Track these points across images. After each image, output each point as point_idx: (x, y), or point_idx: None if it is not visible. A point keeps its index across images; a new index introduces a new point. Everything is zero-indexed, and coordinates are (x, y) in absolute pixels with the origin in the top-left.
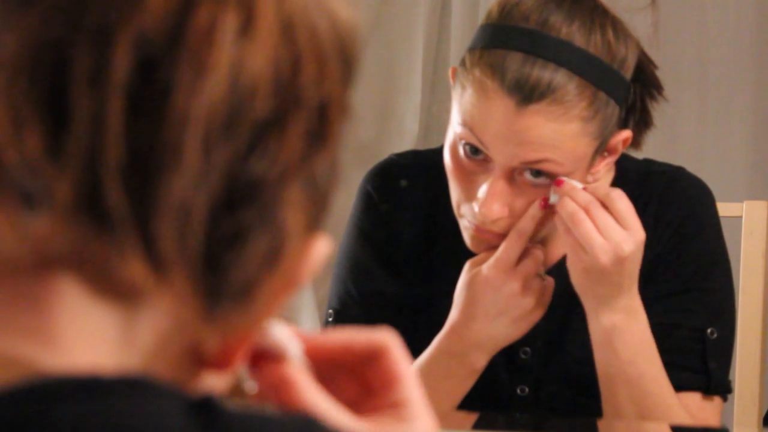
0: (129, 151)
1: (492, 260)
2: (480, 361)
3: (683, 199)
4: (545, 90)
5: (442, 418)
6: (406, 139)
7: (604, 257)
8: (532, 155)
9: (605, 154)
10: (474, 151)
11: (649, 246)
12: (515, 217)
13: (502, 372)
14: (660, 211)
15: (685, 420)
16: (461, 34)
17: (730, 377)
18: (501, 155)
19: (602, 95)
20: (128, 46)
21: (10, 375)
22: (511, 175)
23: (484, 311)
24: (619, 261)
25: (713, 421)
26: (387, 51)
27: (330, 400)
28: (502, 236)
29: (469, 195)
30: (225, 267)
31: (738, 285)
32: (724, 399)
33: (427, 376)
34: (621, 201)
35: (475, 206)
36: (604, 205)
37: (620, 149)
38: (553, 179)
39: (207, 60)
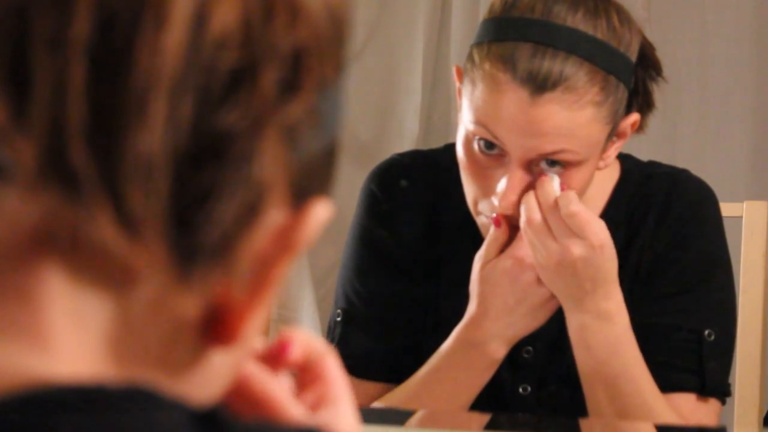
0: (92, 109)
1: (508, 250)
2: (499, 351)
3: (686, 200)
4: (558, 79)
5: (455, 417)
6: (406, 139)
7: (552, 259)
8: (549, 147)
9: (614, 138)
10: (489, 146)
11: (650, 246)
12: None
13: (504, 371)
14: (662, 213)
15: (670, 421)
16: (461, 34)
17: (731, 378)
18: (518, 149)
19: (612, 79)
20: (89, 5)
21: (2, 381)
22: (528, 167)
23: (503, 301)
24: (569, 264)
25: (708, 423)
26: (387, 51)
27: (290, 394)
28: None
29: (487, 190)
30: (197, 223)
31: (738, 285)
32: (723, 402)
33: (447, 367)
34: (572, 205)
35: (494, 200)
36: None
37: (629, 133)
38: (568, 167)
39: (168, 13)
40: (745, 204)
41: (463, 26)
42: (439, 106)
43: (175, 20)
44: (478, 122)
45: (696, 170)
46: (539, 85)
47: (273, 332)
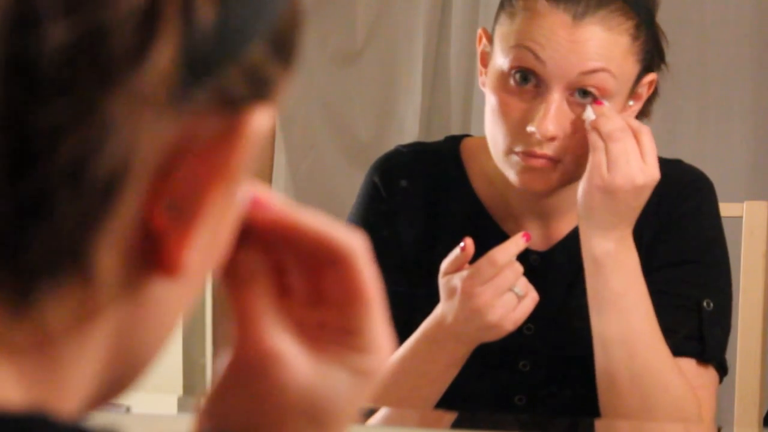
0: None
1: (465, 272)
2: (459, 351)
3: (685, 181)
4: (597, 6)
5: (424, 416)
6: (406, 140)
7: (622, 180)
8: (590, 64)
9: (631, 103)
10: (524, 78)
11: (649, 225)
12: (566, 140)
13: (505, 346)
14: (663, 191)
15: (670, 368)
16: (461, 34)
17: (730, 377)
18: (559, 66)
19: (641, 24)
20: None
21: None
22: (565, 92)
23: (455, 314)
24: (633, 189)
25: (707, 391)
26: (387, 51)
27: (284, 325)
28: (551, 162)
29: (521, 124)
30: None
31: (738, 285)
32: (721, 376)
33: (411, 358)
34: (648, 137)
35: (530, 127)
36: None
37: (644, 96)
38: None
39: None
40: (745, 204)
41: (463, 26)
42: (439, 106)
43: None
44: (519, 45)
45: None
46: (580, 11)
47: None
